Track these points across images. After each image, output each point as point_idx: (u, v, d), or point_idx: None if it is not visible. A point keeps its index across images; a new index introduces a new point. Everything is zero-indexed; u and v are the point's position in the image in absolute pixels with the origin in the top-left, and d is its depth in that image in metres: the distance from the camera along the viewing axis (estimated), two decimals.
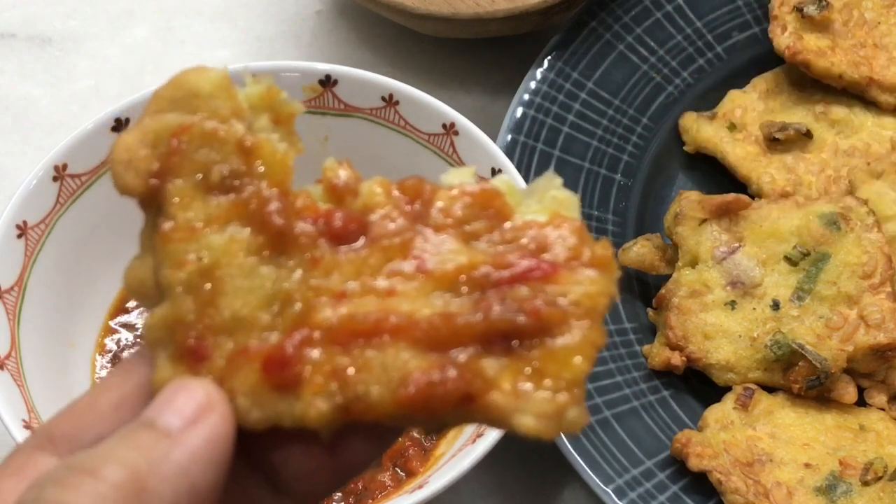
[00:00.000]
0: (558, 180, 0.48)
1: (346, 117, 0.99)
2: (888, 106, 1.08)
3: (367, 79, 0.98)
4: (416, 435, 0.92)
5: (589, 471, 0.91)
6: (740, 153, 1.06)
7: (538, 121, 1.06)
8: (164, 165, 0.48)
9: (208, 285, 0.47)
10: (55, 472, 0.44)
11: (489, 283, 0.46)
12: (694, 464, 0.91)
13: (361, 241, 0.47)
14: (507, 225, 0.47)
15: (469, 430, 0.89)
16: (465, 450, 0.85)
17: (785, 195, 1.02)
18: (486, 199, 0.48)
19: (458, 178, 0.49)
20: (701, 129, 1.08)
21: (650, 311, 1.00)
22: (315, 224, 0.47)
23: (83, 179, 0.94)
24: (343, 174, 0.48)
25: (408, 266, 0.47)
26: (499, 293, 0.46)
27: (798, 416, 0.95)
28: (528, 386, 0.45)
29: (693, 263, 0.99)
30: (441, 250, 0.47)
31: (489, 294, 0.46)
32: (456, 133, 0.96)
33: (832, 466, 0.92)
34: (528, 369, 0.45)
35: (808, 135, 1.06)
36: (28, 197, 0.92)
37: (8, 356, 0.88)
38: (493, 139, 0.99)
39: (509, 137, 1.05)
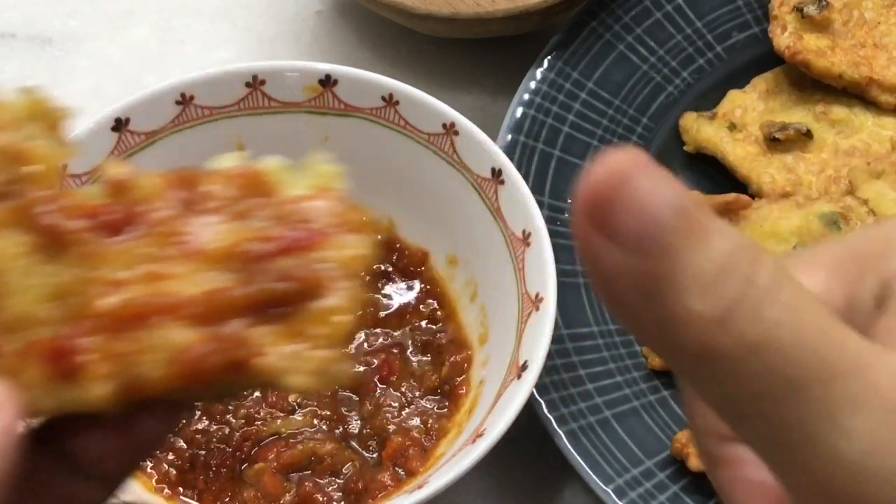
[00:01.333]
0: (324, 157, 0.51)
1: (346, 117, 0.99)
2: (888, 106, 1.08)
3: (367, 79, 0.98)
4: (416, 435, 0.92)
5: (589, 471, 0.91)
6: (740, 153, 1.06)
7: (538, 121, 1.06)
8: None
9: None
10: None
11: (255, 258, 0.49)
12: (694, 464, 0.91)
13: (134, 231, 0.50)
14: (273, 202, 0.50)
15: (469, 429, 0.90)
16: (465, 450, 0.85)
17: (785, 195, 1.02)
18: (251, 180, 0.50)
19: (227, 163, 0.51)
20: (701, 129, 1.08)
21: None
22: (87, 219, 0.50)
23: (83, 179, 0.94)
24: (116, 171, 0.51)
25: (178, 250, 0.49)
26: (264, 266, 0.48)
27: None
28: (293, 347, 0.47)
29: None
30: (209, 232, 0.49)
31: (255, 268, 0.48)
32: (456, 133, 0.96)
33: None
34: (293, 332, 0.48)
35: (808, 135, 1.06)
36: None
37: None
38: (494, 139, 0.99)
39: (509, 137, 1.05)
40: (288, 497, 0.90)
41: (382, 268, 1.00)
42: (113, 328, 0.48)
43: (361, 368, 0.95)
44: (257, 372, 0.47)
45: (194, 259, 0.49)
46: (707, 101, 1.10)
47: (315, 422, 0.93)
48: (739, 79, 1.11)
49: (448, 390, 0.95)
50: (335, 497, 0.90)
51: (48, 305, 0.49)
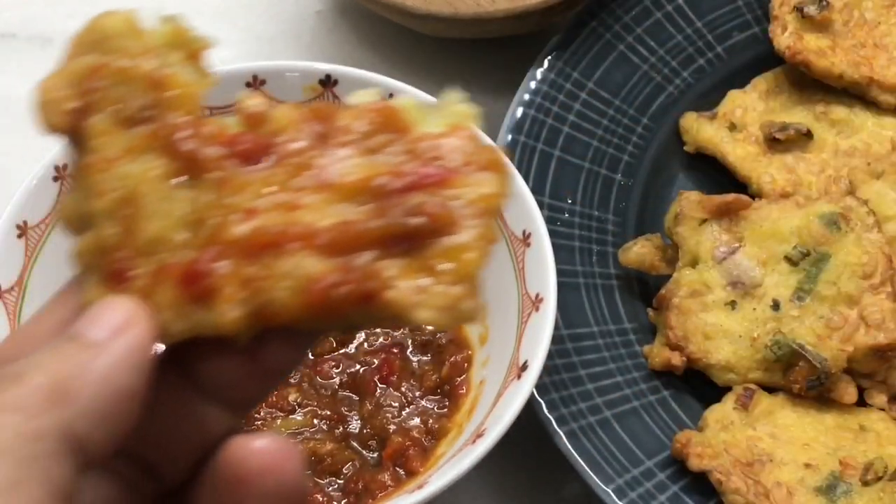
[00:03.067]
0: (459, 96, 0.51)
1: None
2: (888, 106, 1.08)
3: (367, 79, 0.98)
4: (416, 435, 0.92)
5: (589, 471, 0.91)
6: (740, 153, 1.06)
7: (538, 121, 1.06)
8: (83, 104, 0.52)
9: (128, 211, 0.50)
10: None
11: (387, 192, 0.49)
12: (694, 464, 0.91)
13: (269, 161, 0.51)
14: (406, 138, 0.51)
15: (469, 430, 0.90)
16: (465, 450, 0.85)
17: (785, 195, 1.02)
18: (385, 116, 0.51)
19: (363, 99, 0.52)
20: (701, 129, 1.08)
21: (650, 311, 1.01)
22: (224, 148, 0.51)
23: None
24: (254, 102, 0.52)
25: (311, 181, 0.50)
26: (396, 200, 0.49)
27: (798, 417, 0.95)
28: (423, 282, 0.48)
29: (693, 263, 0.99)
30: (343, 165, 0.50)
31: (387, 202, 0.49)
32: None
33: (832, 466, 0.92)
34: (423, 267, 0.48)
35: (808, 135, 1.06)
36: (28, 197, 0.92)
37: None
38: (494, 139, 0.99)
39: (509, 137, 1.05)
40: None
41: None
42: (246, 254, 0.49)
43: (361, 369, 0.95)
44: (386, 305, 0.48)
45: (327, 191, 0.50)
46: (707, 101, 1.10)
47: (315, 422, 0.93)
48: (739, 79, 1.11)
49: (448, 390, 0.95)
50: (335, 497, 0.90)
51: (182, 230, 0.50)
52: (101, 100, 0.52)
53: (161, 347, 0.49)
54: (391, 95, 0.96)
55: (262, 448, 0.48)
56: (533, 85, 1.08)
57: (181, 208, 0.50)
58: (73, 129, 0.52)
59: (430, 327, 0.46)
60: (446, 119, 0.51)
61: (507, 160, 0.50)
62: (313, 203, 0.49)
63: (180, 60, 0.53)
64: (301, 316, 0.48)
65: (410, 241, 0.48)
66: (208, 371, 0.50)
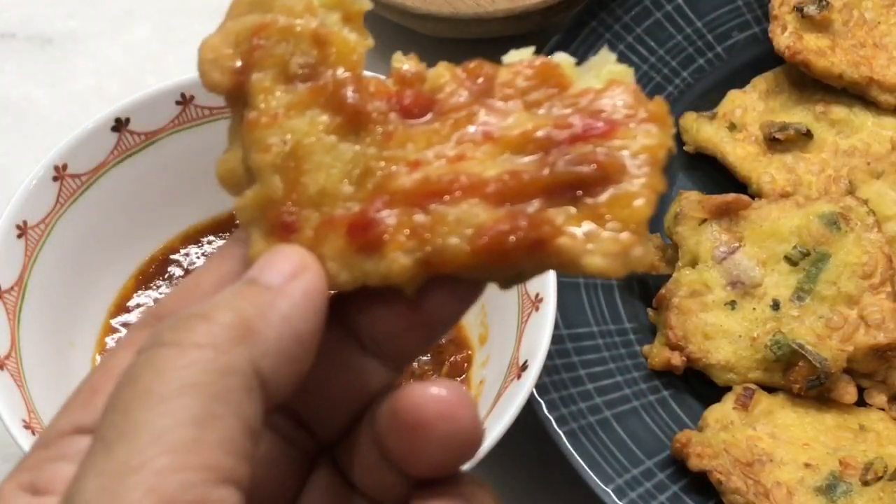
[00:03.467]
0: (613, 56, 0.52)
1: None
2: (888, 106, 1.08)
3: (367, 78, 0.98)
4: None
5: (589, 471, 0.91)
6: (740, 153, 1.06)
7: None
8: (246, 62, 0.52)
9: (293, 164, 0.51)
10: (171, 320, 0.47)
11: (552, 143, 0.50)
12: (694, 464, 0.91)
13: (430, 115, 0.51)
14: (567, 94, 0.51)
15: None
16: None
17: (785, 195, 1.02)
18: (545, 72, 0.51)
19: (518, 57, 0.52)
20: (701, 129, 1.08)
21: (650, 311, 1.01)
22: (387, 102, 0.52)
23: (83, 179, 0.95)
24: (409, 64, 0.53)
25: (475, 134, 0.50)
26: (562, 150, 0.49)
27: (798, 416, 0.95)
28: (594, 228, 0.48)
29: (693, 263, 0.99)
30: (505, 118, 0.51)
31: (553, 152, 0.49)
32: None
33: (832, 466, 0.92)
34: (593, 215, 0.48)
35: (808, 135, 1.06)
36: (28, 197, 0.92)
37: (8, 356, 0.88)
38: None
39: None
40: None
41: None
42: (414, 204, 0.49)
43: None
44: (557, 251, 0.48)
45: (492, 143, 0.50)
46: (707, 101, 1.10)
47: None
48: (739, 79, 1.11)
49: None
50: None
51: (348, 182, 0.50)
52: (264, 57, 0.52)
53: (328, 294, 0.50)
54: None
55: (439, 394, 0.49)
56: None
57: (346, 162, 0.51)
58: (236, 87, 0.53)
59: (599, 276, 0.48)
60: (602, 77, 0.52)
61: (669, 112, 0.51)
62: (479, 155, 0.50)
63: (339, 21, 0.54)
64: (470, 264, 0.49)
65: (578, 190, 0.49)
66: (370, 323, 0.50)
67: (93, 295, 0.97)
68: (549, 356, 0.89)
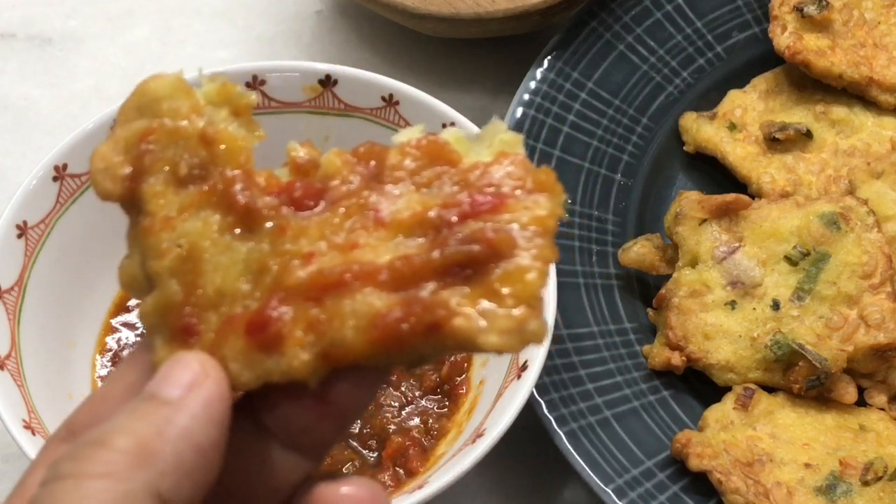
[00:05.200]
0: (503, 125, 0.52)
1: (347, 117, 0.99)
2: (888, 106, 1.08)
3: (367, 79, 0.98)
4: (416, 435, 0.92)
5: (589, 471, 0.91)
6: (740, 153, 1.06)
7: (538, 121, 1.06)
8: (136, 168, 0.53)
9: (190, 267, 0.51)
10: (70, 449, 0.47)
11: (443, 223, 0.50)
12: (694, 464, 0.91)
13: (323, 205, 0.52)
14: (457, 170, 0.51)
15: (469, 429, 0.90)
16: (465, 450, 0.85)
17: (785, 195, 1.02)
18: (433, 150, 0.52)
19: (408, 136, 0.53)
20: (701, 129, 1.08)
21: (650, 311, 1.01)
22: (278, 197, 0.52)
23: (83, 179, 0.95)
24: (303, 151, 0.53)
25: (367, 220, 0.51)
26: (453, 230, 0.50)
27: (798, 416, 0.95)
28: (488, 306, 0.49)
29: (693, 263, 0.99)
30: (396, 201, 0.51)
31: (444, 232, 0.50)
32: None
33: (832, 466, 0.92)
34: (486, 293, 0.49)
35: (808, 135, 1.06)
36: (28, 197, 0.92)
37: (8, 356, 0.88)
38: None
39: None
40: None
41: None
42: (309, 298, 0.49)
43: None
44: (452, 333, 0.48)
45: (383, 228, 0.51)
46: (707, 101, 1.10)
47: None
48: (739, 79, 1.11)
49: (448, 390, 0.95)
50: None
51: (244, 280, 0.51)
52: (153, 162, 0.52)
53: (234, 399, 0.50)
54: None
55: (351, 493, 0.50)
56: (533, 85, 1.08)
57: (242, 260, 0.51)
58: (128, 193, 0.53)
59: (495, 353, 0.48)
60: (493, 147, 0.52)
61: (557, 180, 0.51)
62: (371, 241, 0.50)
63: (227, 117, 0.54)
64: (369, 353, 0.49)
65: (470, 269, 0.49)
66: (280, 418, 0.50)
67: (93, 295, 0.97)
68: (549, 356, 0.89)
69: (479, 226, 0.49)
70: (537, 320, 0.48)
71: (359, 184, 0.52)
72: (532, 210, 0.50)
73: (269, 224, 0.51)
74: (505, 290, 0.48)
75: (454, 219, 0.50)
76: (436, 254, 0.49)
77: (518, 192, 0.50)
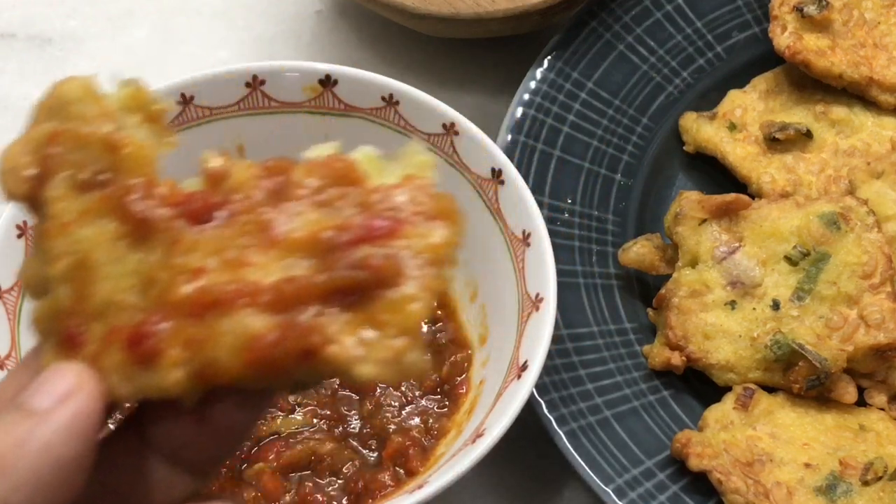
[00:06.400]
0: (421, 146, 0.52)
1: (346, 117, 0.99)
2: (888, 106, 1.08)
3: (367, 79, 0.98)
4: (416, 435, 0.92)
5: (589, 471, 0.91)
6: (740, 153, 1.06)
7: (538, 121, 1.06)
8: (42, 169, 0.52)
9: (81, 275, 0.50)
10: None
11: (336, 246, 0.49)
12: (694, 464, 0.91)
13: (221, 219, 0.51)
14: (360, 191, 0.51)
15: (469, 429, 0.90)
16: (465, 450, 0.85)
17: (785, 195, 1.02)
18: (338, 169, 0.51)
19: (318, 153, 0.52)
20: (701, 129, 1.08)
21: (650, 311, 1.01)
22: (175, 208, 0.51)
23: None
24: (215, 161, 0.52)
25: (260, 238, 0.50)
26: (343, 254, 0.49)
27: (798, 416, 0.95)
28: (366, 335, 0.48)
29: (693, 263, 0.99)
30: (293, 220, 0.50)
31: (334, 256, 0.49)
32: (456, 133, 0.96)
33: (832, 466, 0.92)
34: (368, 320, 0.48)
35: (808, 135, 1.06)
36: None
37: (8, 356, 0.88)
38: (494, 139, 0.99)
39: (509, 137, 1.05)
40: (288, 497, 0.90)
41: None
42: (191, 315, 0.49)
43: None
44: (328, 360, 0.48)
45: (275, 247, 0.50)
46: (707, 101, 1.10)
47: (315, 421, 0.93)
48: (739, 79, 1.11)
49: (448, 390, 0.95)
50: (335, 497, 0.90)
51: (133, 292, 0.50)
52: (58, 165, 0.52)
53: (118, 412, 0.50)
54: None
55: None
56: (533, 85, 1.08)
57: (132, 271, 0.50)
58: (33, 195, 0.52)
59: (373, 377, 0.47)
60: (405, 169, 0.51)
61: (459, 208, 0.50)
62: (261, 260, 0.49)
63: (138, 123, 0.53)
64: (244, 374, 0.48)
65: (356, 295, 0.48)
66: (162, 433, 0.50)
67: None
68: (549, 356, 0.89)
69: (369, 251, 0.49)
70: (416, 352, 0.48)
71: (260, 199, 0.51)
72: (426, 238, 0.49)
73: (162, 236, 0.50)
74: (387, 320, 0.48)
75: (347, 242, 0.49)
76: (321, 278, 0.48)
77: (416, 217, 0.49)
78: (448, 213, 0.50)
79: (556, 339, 0.96)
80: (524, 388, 0.86)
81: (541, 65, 1.09)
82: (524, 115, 1.06)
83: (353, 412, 0.94)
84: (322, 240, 0.49)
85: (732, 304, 0.97)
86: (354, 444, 0.93)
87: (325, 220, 0.50)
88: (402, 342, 0.48)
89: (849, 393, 0.96)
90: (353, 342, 0.48)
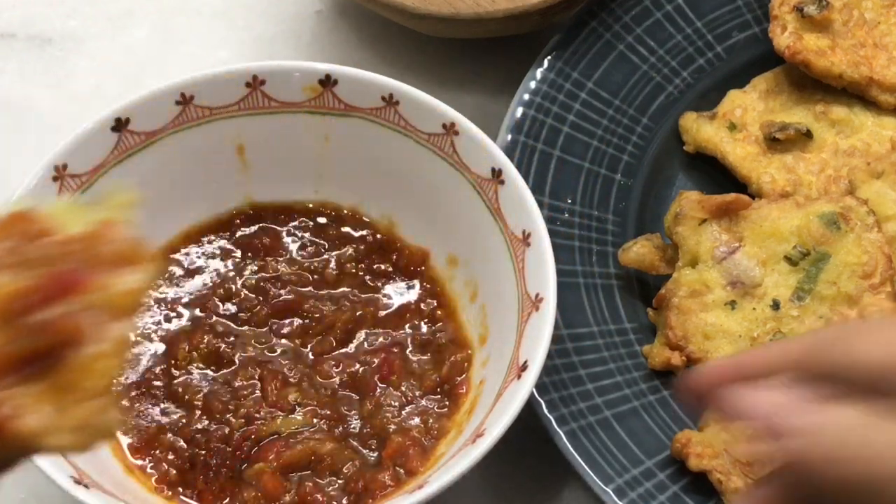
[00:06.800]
0: (124, 186, 0.48)
1: (346, 117, 0.99)
2: (888, 106, 1.08)
3: (367, 79, 0.98)
4: (416, 435, 0.92)
5: (589, 471, 0.91)
6: (740, 153, 1.06)
7: (538, 121, 1.06)
8: None
9: None
10: None
11: (23, 309, 0.46)
12: (694, 464, 0.91)
13: None
14: (50, 244, 0.47)
15: (469, 429, 0.90)
16: (465, 450, 0.85)
17: (785, 195, 1.02)
18: (20, 223, 0.48)
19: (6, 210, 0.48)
20: (701, 129, 1.08)
21: (650, 311, 1.00)
22: None
23: (83, 179, 0.94)
24: None
25: None
26: (28, 318, 0.45)
27: None
28: (57, 404, 0.45)
29: (693, 263, 0.99)
30: None
31: (19, 322, 0.45)
32: (456, 133, 0.96)
33: None
34: (57, 387, 0.45)
35: (808, 135, 1.06)
36: (28, 197, 0.92)
37: None
38: (494, 139, 0.99)
39: (509, 137, 1.05)
40: (288, 497, 0.90)
41: (383, 267, 1.00)
42: None
43: (361, 368, 0.95)
44: (15, 437, 0.44)
45: None
46: (707, 101, 1.10)
47: (315, 421, 0.93)
48: (739, 79, 1.11)
49: (448, 390, 0.95)
50: (335, 497, 0.90)
51: None
52: None
53: None
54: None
55: None
56: (533, 85, 1.08)
57: None
58: None
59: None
60: (105, 212, 0.48)
61: (147, 250, 0.47)
62: None
63: None
64: None
65: (44, 360, 0.45)
66: None
67: None
68: (549, 356, 0.89)
69: (53, 312, 0.45)
70: (108, 413, 0.45)
71: None
72: (112, 288, 0.46)
73: None
74: (73, 383, 0.45)
75: (30, 305, 0.46)
76: (8, 347, 0.45)
77: (104, 267, 0.46)
78: (134, 257, 0.47)
79: (556, 339, 0.96)
80: (524, 388, 0.86)
81: (541, 65, 1.09)
82: (524, 115, 1.06)
83: (353, 412, 0.94)
84: (9, 305, 0.46)
85: (732, 304, 0.97)
86: (354, 444, 0.93)
87: (10, 283, 0.46)
88: (93, 405, 0.45)
89: None
90: (39, 414, 0.44)
